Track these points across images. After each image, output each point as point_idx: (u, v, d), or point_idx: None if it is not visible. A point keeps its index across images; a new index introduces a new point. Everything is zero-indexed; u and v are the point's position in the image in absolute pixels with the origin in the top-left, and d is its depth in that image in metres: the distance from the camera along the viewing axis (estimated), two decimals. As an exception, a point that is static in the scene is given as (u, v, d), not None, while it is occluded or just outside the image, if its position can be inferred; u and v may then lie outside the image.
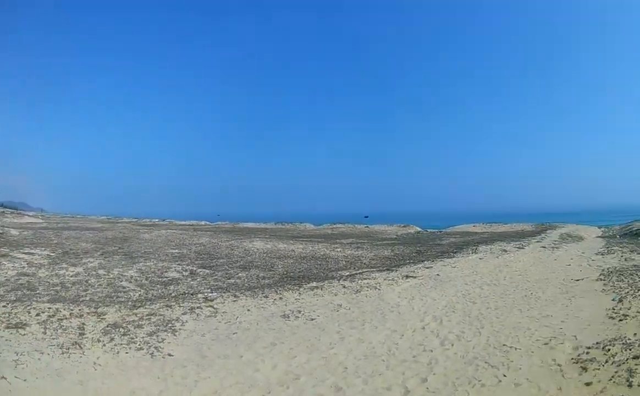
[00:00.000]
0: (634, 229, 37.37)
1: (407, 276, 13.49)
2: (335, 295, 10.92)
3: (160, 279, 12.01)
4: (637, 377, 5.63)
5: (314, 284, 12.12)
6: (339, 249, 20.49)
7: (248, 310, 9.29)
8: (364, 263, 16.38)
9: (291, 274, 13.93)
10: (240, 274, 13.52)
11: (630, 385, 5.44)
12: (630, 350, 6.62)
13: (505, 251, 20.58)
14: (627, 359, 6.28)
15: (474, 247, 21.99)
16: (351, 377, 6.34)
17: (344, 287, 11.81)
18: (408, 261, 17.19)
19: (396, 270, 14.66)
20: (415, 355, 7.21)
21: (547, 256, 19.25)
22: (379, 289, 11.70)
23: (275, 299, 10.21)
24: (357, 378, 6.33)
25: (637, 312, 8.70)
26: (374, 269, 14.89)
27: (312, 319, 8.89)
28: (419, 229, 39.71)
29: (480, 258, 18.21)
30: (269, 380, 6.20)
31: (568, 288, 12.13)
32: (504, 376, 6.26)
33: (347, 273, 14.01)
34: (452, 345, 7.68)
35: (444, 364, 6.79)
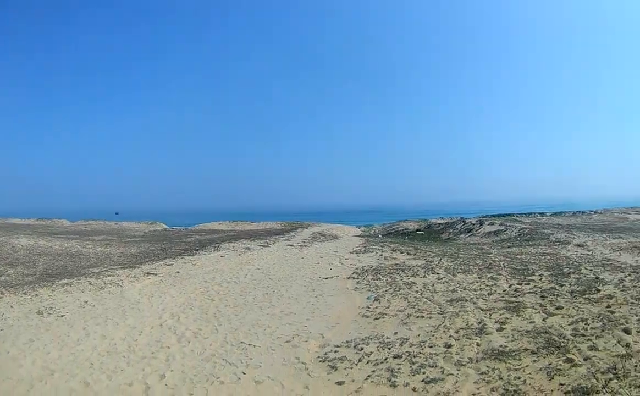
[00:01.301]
0: (399, 229, 37.91)
1: (148, 274, 14.26)
2: (83, 292, 11.66)
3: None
4: (402, 377, 5.46)
5: (66, 280, 13.02)
6: (90, 246, 22.27)
7: (11, 307, 10.20)
8: (113, 260, 18.29)
9: (50, 271, 15.58)
10: (9, 271, 15.08)
11: (394, 385, 5.29)
12: (389, 349, 6.57)
13: (249, 249, 21.17)
14: (386, 358, 6.18)
15: (217, 244, 22.75)
16: (97, 373, 6.54)
17: (90, 284, 12.61)
18: (152, 258, 18.35)
19: (139, 267, 15.71)
20: (153, 352, 7.34)
21: (293, 254, 19.63)
22: (121, 286, 12.34)
23: (32, 296, 11.15)
24: (102, 373, 6.52)
25: (398, 311, 8.67)
26: (119, 266, 16.07)
27: (62, 316, 9.49)
28: (165, 226, 41.99)
29: (222, 256, 18.76)
30: (31, 375, 6.49)
31: (315, 286, 12.23)
32: (243, 373, 6.30)
33: (97, 270, 15.28)
34: (189, 342, 7.78)
35: (181, 361, 6.91)
